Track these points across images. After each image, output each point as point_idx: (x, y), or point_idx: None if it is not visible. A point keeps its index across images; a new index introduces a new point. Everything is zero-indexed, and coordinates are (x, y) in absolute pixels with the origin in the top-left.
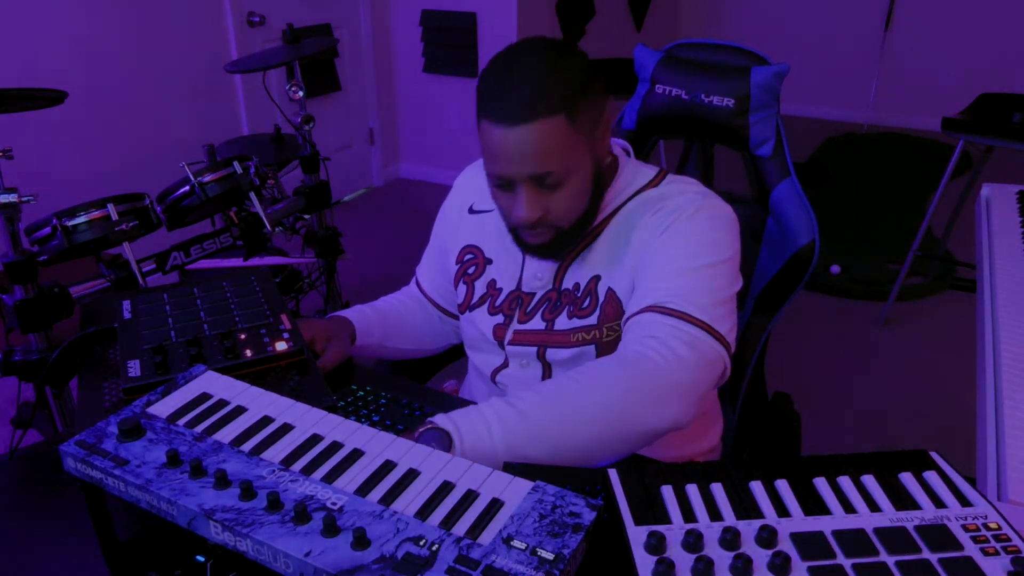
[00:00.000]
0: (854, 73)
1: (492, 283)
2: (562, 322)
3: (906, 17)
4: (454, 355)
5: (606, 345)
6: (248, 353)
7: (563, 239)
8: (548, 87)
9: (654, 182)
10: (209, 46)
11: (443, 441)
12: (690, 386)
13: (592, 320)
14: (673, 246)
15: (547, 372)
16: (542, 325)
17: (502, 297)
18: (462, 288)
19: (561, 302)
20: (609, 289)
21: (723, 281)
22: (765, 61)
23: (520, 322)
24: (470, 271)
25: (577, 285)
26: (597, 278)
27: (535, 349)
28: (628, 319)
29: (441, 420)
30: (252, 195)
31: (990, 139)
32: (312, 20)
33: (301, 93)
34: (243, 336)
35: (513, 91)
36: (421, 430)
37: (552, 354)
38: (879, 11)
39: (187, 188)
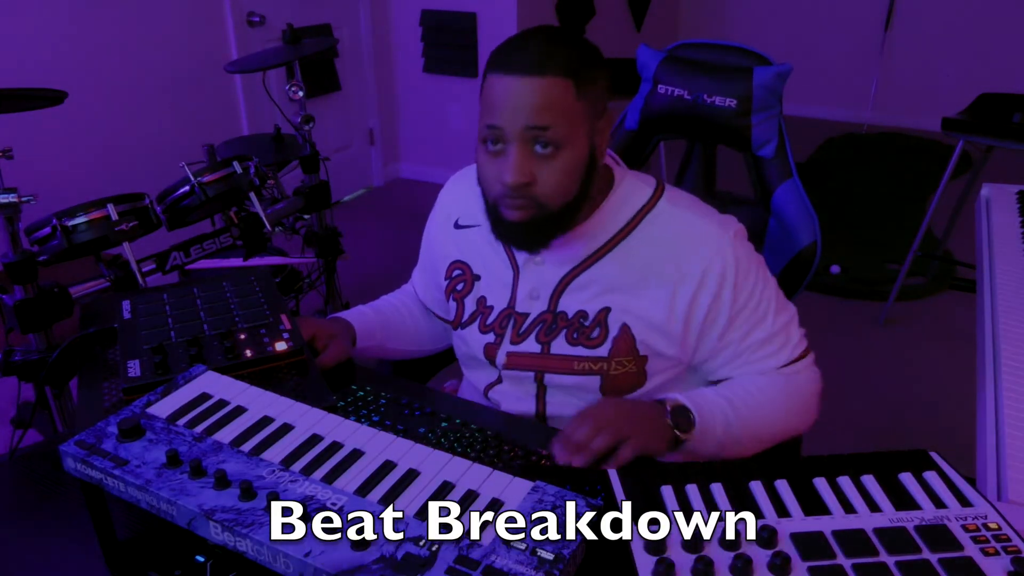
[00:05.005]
0: (854, 73)
1: (482, 300)
2: (560, 346)
3: (906, 17)
4: (454, 355)
5: (613, 378)
6: (248, 353)
7: (544, 223)
8: (562, 53)
9: (653, 201)
10: (209, 46)
11: (684, 417)
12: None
13: (602, 352)
14: (747, 309)
15: (541, 391)
16: (537, 348)
17: (493, 315)
18: (452, 304)
19: (556, 324)
20: (624, 324)
21: (782, 303)
22: (768, 61)
23: (513, 343)
24: (459, 288)
25: (584, 313)
26: (607, 310)
27: (532, 374)
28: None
29: (682, 397)
30: (252, 195)
31: (990, 139)
32: (312, 20)
33: (301, 93)
34: (243, 336)
35: (526, 48)
36: (661, 398)
37: (551, 379)
38: (879, 11)
39: (187, 188)
